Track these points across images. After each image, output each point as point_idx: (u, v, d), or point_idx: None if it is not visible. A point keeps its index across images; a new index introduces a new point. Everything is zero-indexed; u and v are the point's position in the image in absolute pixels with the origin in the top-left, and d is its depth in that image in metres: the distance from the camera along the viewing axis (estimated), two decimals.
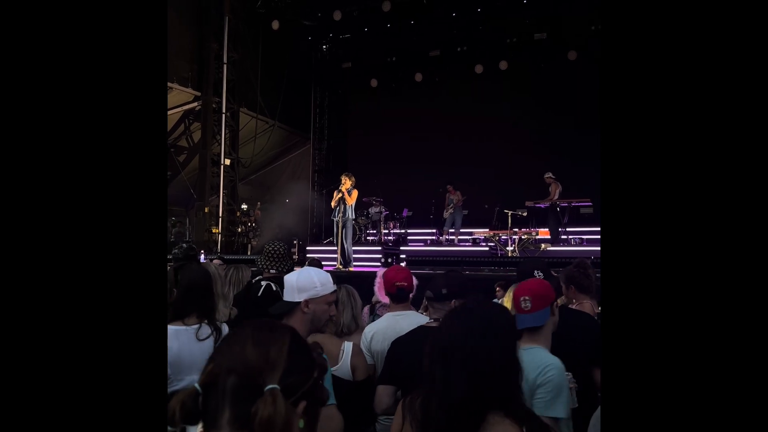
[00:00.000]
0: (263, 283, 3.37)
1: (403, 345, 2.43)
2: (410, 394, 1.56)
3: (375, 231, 13.11)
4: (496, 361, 1.40)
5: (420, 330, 2.47)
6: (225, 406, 0.87)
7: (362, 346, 2.79)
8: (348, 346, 2.63)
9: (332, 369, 2.51)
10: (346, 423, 2.48)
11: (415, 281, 3.07)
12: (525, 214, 12.42)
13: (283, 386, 0.87)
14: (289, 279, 2.14)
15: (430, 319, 2.48)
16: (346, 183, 9.19)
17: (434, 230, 13.27)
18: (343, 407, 2.42)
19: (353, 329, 3.01)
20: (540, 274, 2.96)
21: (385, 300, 3.27)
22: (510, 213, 11.84)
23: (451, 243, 12.02)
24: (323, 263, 11.37)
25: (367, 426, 2.66)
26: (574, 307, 3.14)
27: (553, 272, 3.20)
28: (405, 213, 14.43)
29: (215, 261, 6.03)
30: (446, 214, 12.39)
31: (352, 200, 9.22)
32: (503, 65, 14.11)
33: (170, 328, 2.41)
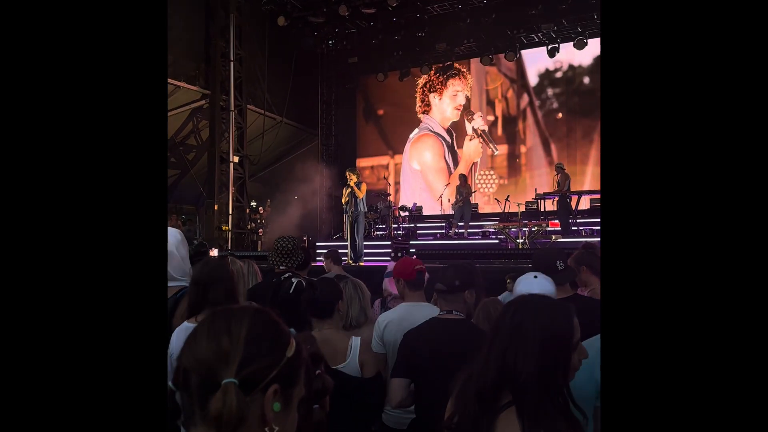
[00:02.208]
0: (294, 280, 3.39)
1: (415, 337, 2.42)
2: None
3: (384, 225, 13.10)
4: (528, 360, 1.34)
5: (432, 322, 2.45)
6: (195, 404, 0.85)
7: (375, 335, 2.77)
8: (356, 341, 2.58)
9: (340, 366, 2.49)
10: (353, 420, 2.44)
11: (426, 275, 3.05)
12: (535, 206, 12.38)
13: (243, 376, 0.83)
14: (549, 290, 2.07)
15: (442, 311, 2.47)
16: (353, 178, 9.26)
17: (443, 224, 13.25)
18: (350, 404, 2.41)
19: (362, 322, 2.98)
20: (561, 264, 2.87)
21: (396, 292, 3.26)
22: (519, 205, 11.80)
23: (460, 236, 11.99)
24: None
25: (373, 423, 2.64)
26: (586, 293, 2.99)
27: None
28: (413, 207, 14.42)
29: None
30: (455, 207, 12.34)
31: (362, 193, 9.28)
32: (510, 57, 14.05)
33: (185, 325, 2.37)
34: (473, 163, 15.11)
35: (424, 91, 15.81)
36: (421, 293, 2.92)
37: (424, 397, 2.32)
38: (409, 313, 2.82)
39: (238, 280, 2.74)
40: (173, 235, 2.81)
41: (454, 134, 15.46)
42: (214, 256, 2.77)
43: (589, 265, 3.06)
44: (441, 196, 13.41)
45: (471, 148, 15.19)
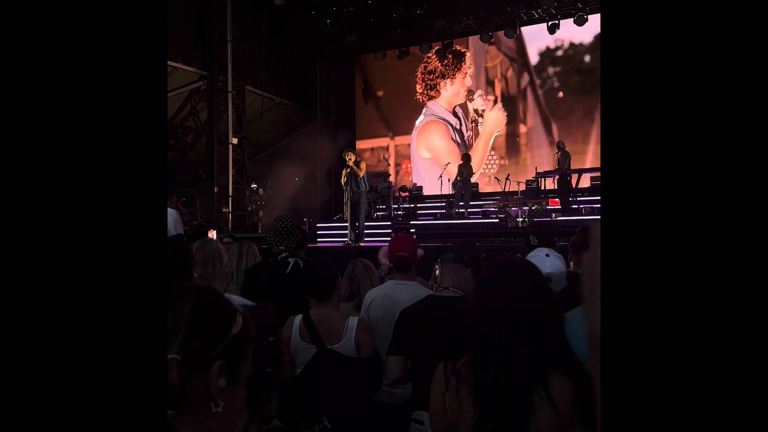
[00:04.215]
0: (291, 260, 3.41)
1: (411, 315, 2.43)
2: (450, 360, 1.58)
3: (384, 206, 13.10)
4: (551, 317, 1.46)
5: (428, 299, 2.46)
6: None
7: (362, 311, 2.82)
8: (353, 322, 2.57)
9: (335, 346, 2.51)
10: (345, 399, 2.46)
11: (420, 252, 3.09)
12: (535, 184, 12.35)
13: (186, 352, 0.85)
14: (561, 269, 2.04)
15: (439, 287, 2.47)
16: (351, 158, 9.27)
17: (444, 203, 13.24)
18: (343, 383, 2.48)
19: None
20: (535, 240, 2.96)
21: (388, 263, 3.33)
22: (520, 183, 11.77)
23: (461, 216, 11.99)
24: (334, 239, 11.47)
25: (365, 402, 2.66)
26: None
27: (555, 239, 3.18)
28: (413, 187, 14.40)
29: (225, 240, 6.07)
30: (455, 186, 12.30)
31: (362, 172, 9.26)
32: (510, 34, 13.92)
33: None
34: (494, 135, 14.92)
35: (432, 77, 15.59)
36: (407, 273, 2.98)
37: (420, 373, 2.34)
38: (393, 291, 2.89)
39: (204, 263, 2.70)
40: (170, 215, 2.81)
41: (461, 116, 15.32)
42: (171, 236, 2.75)
43: (582, 247, 3.13)
44: (441, 176, 13.37)
45: (491, 119, 14.95)
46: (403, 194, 13.85)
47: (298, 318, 2.56)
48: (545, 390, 1.41)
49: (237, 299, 2.65)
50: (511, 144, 14.79)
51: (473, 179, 12.77)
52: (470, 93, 15.06)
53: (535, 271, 1.59)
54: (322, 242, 11.68)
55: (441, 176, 13.34)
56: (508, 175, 12.23)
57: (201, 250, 3.33)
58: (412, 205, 13.64)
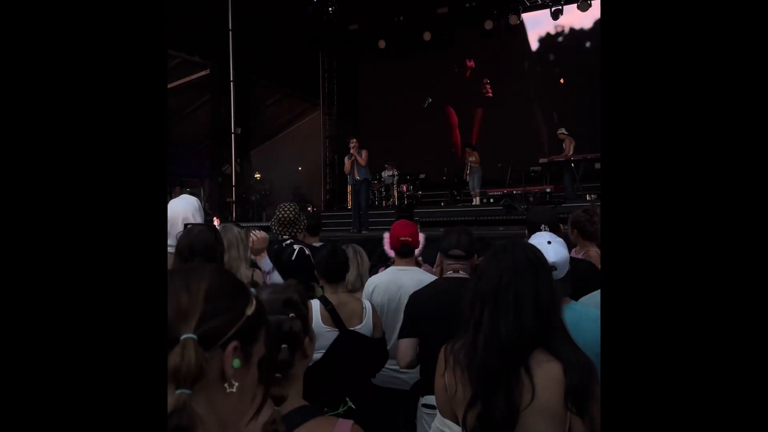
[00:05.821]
0: (296, 247, 3.43)
1: (422, 297, 2.45)
2: (451, 341, 1.62)
3: (388, 194, 13.10)
4: (540, 299, 1.47)
5: (437, 282, 2.48)
6: None
7: (364, 298, 2.85)
8: (368, 304, 2.69)
9: (357, 327, 2.58)
10: (361, 381, 2.56)
11: (422, 237, 3.10)
12: (539, 168, 12.32)
13: (202, 332, 0.84)
14: (565, 256, 2.00)
15: (448, 272, 2.48)
16: (355, 146, 9.26)
17: (447, 191, 13.23)
18: (362, 365, 2.56)
19: (358, 287, 3.06)
20: (546, 228, 2.91)
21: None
22: (524, 170, 11.74)
23: (465, 203, 11.97)
24: (338, 228, 11.48)
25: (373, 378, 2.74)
26: (580, 255, 3.02)
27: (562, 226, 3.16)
28: (418, 175, 14.38)
29: None
30: (466, 177, 12.26)
31: (364, 161, 9.25)
32: (513, 20, 13.82)
33: None
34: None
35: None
36: (409, 259, 2.99)
37: (430, 357, 2.35)
38: (397, 277, 2.92)
39: (229, 248, 2.74)
40: (190, 203, 2.83)
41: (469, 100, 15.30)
42: (198, 224, 2.71)
43: (582, 229, 3.11)
44: (446, 169, 13.33)
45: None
46: (407, 180, 13.85)
47: (315, 303, 2.58)
48: (529, 374, 1.42)
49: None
50: (514, 130, 14.72)
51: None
52: (474, 79, 14.98)
53: (528, 254, 1.58)
54: (327, 231, 11.69)
55: (446, 169, 13.31)
56: (511, 163, 12.20)
57: (224, 237, 3.34)
58: (417, 193, 13.63)
